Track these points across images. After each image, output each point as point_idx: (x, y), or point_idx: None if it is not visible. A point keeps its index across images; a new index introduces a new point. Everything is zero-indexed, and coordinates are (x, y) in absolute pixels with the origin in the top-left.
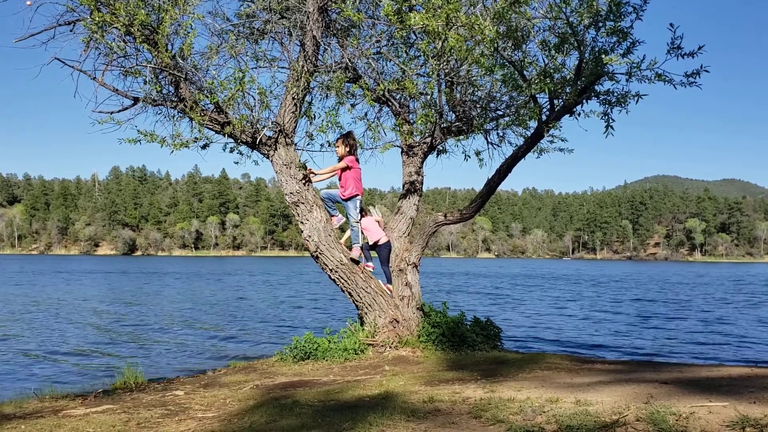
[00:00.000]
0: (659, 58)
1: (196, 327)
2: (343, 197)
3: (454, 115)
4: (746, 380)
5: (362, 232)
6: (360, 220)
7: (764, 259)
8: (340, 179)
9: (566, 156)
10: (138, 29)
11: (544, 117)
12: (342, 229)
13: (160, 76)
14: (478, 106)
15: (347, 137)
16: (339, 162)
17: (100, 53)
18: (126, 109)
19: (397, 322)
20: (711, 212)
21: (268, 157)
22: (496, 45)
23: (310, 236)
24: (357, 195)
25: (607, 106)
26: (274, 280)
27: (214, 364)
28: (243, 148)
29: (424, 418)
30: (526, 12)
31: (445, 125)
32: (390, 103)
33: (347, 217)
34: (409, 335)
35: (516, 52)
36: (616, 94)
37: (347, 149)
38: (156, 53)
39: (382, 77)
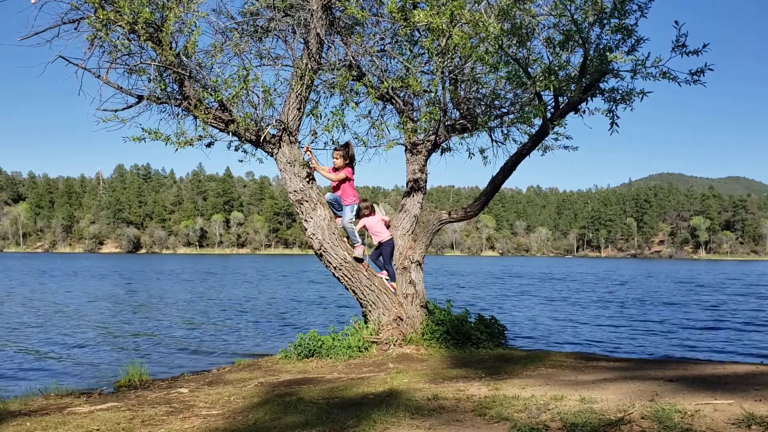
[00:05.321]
0: (664, 56)
1: (200, 324)
2: (345, 203)
3: (458, 113)
4: (752, 378)
5: (367, 233)
6: (356, 220)
7: None
8: (336, 188)
9: (571, 154)
10: (142, 27)
11: (548, 114)
12: (346, 228)
13: (165, 74)
14: (482, 103)
15: (347, 148)
16: (337, 172)
17: (104, 51)
18: (130, 107)
19: (401, 319)
20: (715, 210)
21: (272, 155)
22: (500, 42)
23: (314, 234)
24: (355, 202)
25: (611, 103)
26: (278, 278)
27: (219, 361)
28: (247, 146)
29: (429, 415)
30: (530, 9)
31: (449, 123)
32: (394, 101)
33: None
34: (413, 333)
35: (520, 50)
36: (620, 91)
37: (346, 161)
38: (160, 51)
39: (386, 75)
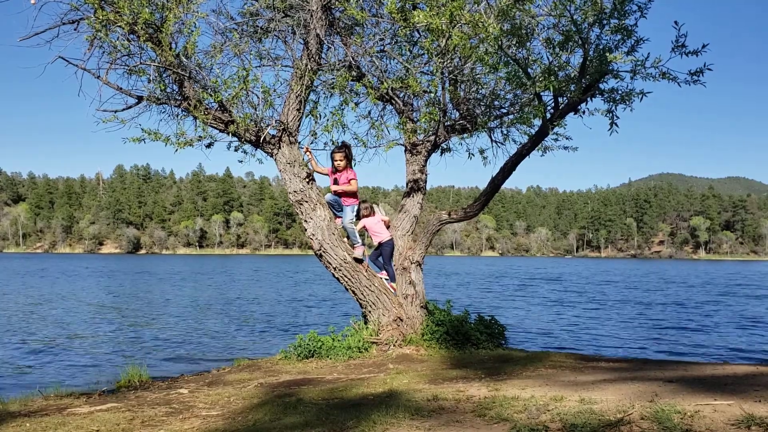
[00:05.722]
0: (664, 56)
1: (200, 325)
2: (345, 204)
3: (458, 113)
4: (751, 378)
5: (367, 233)
6: (356, 220)
7: None
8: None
9: (571, 154)
10: (142, 28)
11: (548, 115)
12: (346, 229)
13: (164, 75)
14: (482, 104)
15: (348, 148)
16: (347, 178)
17: (104, 52)
18: (130, 107)
19: (401, 320)
20: (715, 210)
21: (271, 156)
22: (500, 43)
23: (314, 234)
24: (355, 202)
25: (611, 103)
26: (277, 278)
27: (219, 362)
28: (247, 146)
29: (428, 416)
30: (530, 9)
31: (448, 123)
32: (393, 102)
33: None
34: (413, 333)
35: (520, 50)
36: (620, 91)
37: (348, 162)
38: (160, 52)
39: (386, 75)
